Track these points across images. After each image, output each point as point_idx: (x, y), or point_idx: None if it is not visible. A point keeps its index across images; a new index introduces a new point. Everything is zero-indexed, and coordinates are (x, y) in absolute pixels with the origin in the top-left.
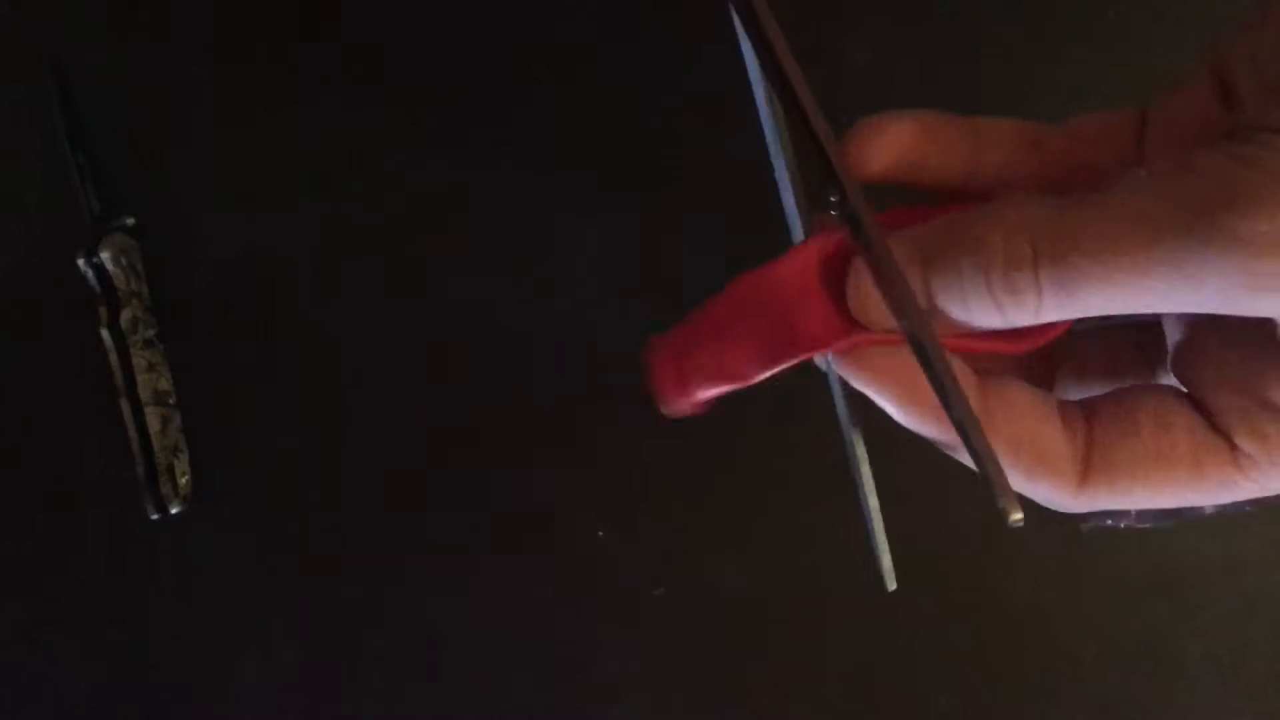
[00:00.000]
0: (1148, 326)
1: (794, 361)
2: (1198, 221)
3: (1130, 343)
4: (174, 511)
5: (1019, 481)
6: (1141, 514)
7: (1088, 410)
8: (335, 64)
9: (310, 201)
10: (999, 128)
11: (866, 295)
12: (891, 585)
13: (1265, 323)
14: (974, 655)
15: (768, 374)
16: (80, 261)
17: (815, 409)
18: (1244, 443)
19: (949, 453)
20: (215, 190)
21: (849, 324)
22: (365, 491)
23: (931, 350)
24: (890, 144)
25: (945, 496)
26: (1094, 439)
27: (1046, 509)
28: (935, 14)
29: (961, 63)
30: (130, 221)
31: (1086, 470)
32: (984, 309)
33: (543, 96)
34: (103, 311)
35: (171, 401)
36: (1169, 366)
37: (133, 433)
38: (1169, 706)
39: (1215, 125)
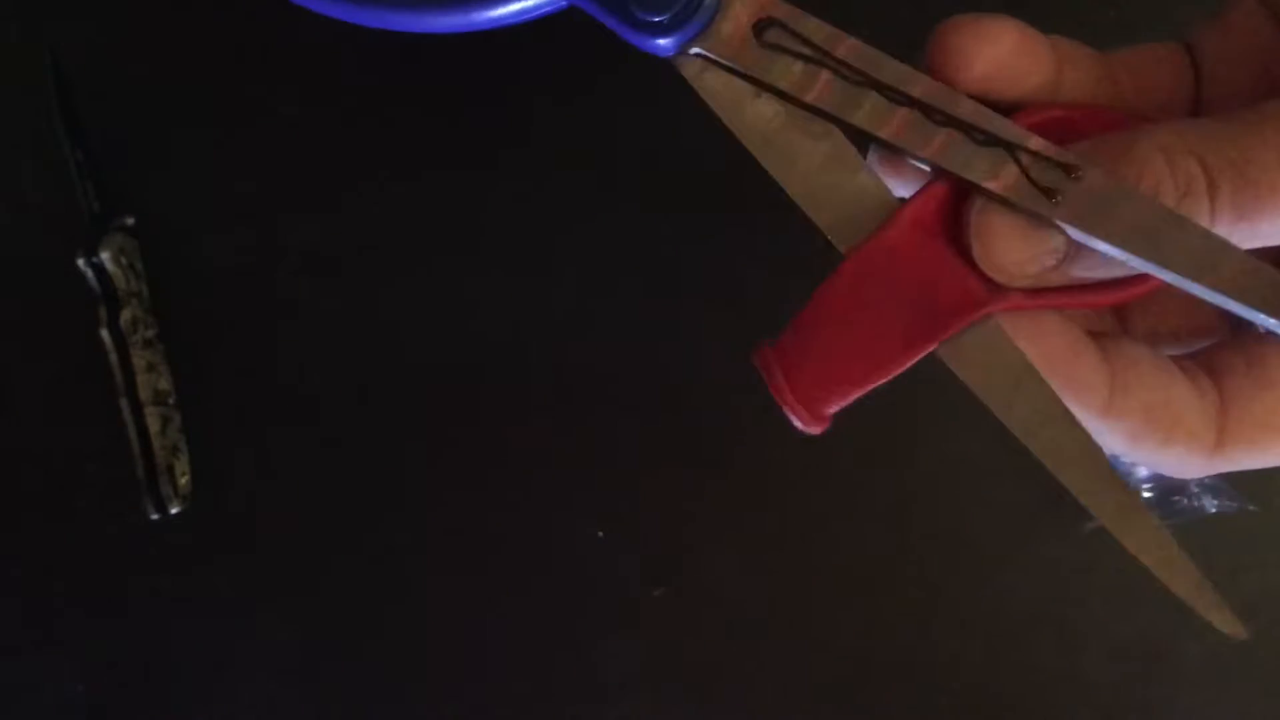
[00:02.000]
0: None
1: (937, 343)
2: None
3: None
4: (174, 512)
5: (1151, 449)
6: None
7: (1209, 366)
8: (337, 63)
9: (311, 201)
10: (1074, 48)
11: (996, 238)
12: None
13: None
14: (975, 655)
15: (908, 365)
16: (79, 261)
17: None
18: None
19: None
20: (216, 189)
21: (987, 285)
22: (365, 491)
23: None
24: (993, 48)
25: (946, 499)
26: (1225, 392)
27: (1049, 508)
28: (934, 9)
29: None
30: (130, 221)
31: (1223, 427)
32: None
33: (546, 96)
34: (102, 311)
35: (171, 401)
36: None
37: (132, 433)
38: (1171, 707)
39: (1273, 47)
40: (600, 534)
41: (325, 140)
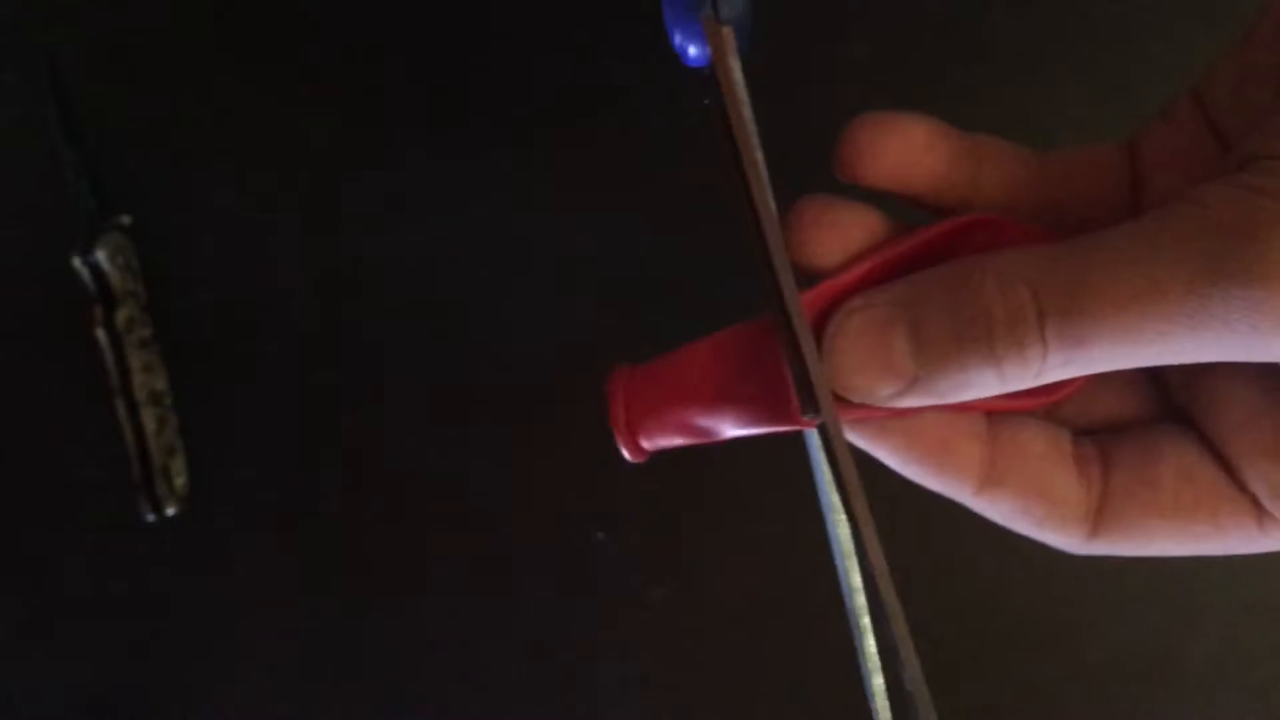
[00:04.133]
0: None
1: (773, 430)
2: (1221, 257)
3: (1139, 379)
4: (170, 513)
5: (1027, 529)
6: None
7: (1104, 453)
8: (337, 64)
9: (308, 201)
10: (998, 146)
11: (843, 361)
12: None
13: (1277, 367)
14: (977, 659)
15: (727, 435)
16: (75, 261)
17: None
18: (1273, 507)
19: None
20: (213, 189)
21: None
22: (363, 492)
23: (841, 460)
24: (900, 144)
25: (946, 499)
26: (1109, 486)
27: None
28: (937, 12)
29: (965, 62)
30: (126, 220)
31: (1099, 520)
32: (983, 373)
33: (546, 96)
34: (98, 311)
35: (168, 402)
36: (1179, 408)
37: (128, 434)
38: (1172, 710)
39: (1208, 153)
40: (600, 534)
41: (324, 142)
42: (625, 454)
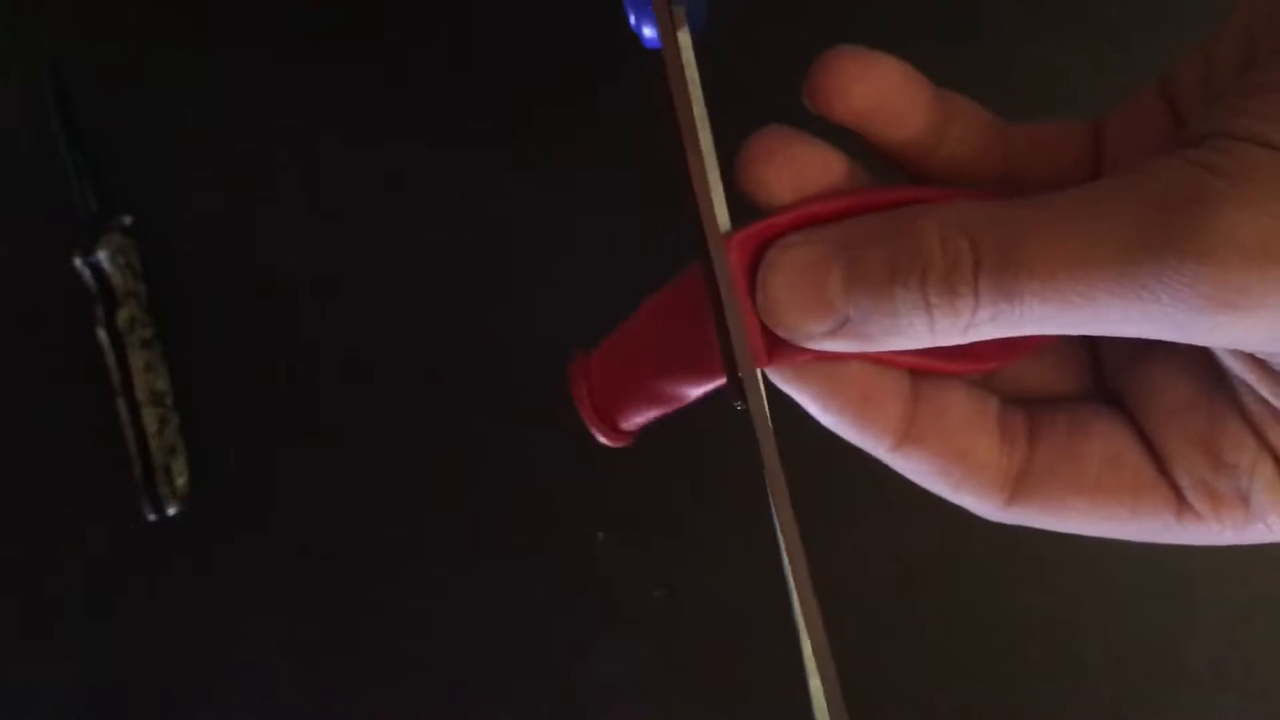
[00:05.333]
0: (1096, 341)
1: (716, 383)
2: (1157, 228)
3: (1077, 354)
4: (171, 513)
5: (945, 490)
6: None
7: (1032, 423)
8: (337, 64)
9: (309, 201)
10: (967, 105)
11: (773, 295)
12: None
13: (1213, 358)
14: (975, 658)
15: (693, 395)
16: (77, 261)
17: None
18: (1194, 500)
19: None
20: (214, 189)
21: (772, 338)
22: (363, 492)
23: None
24: (874, 84)
25: (949, 501)
26: (1034, 457)
27: None
28: (935, 3)
29: (961, 60)
30: (128, 220)
31: (1018, 489)
32: (913, 319)
33: (545, 92)
34: (99, 311)
35: (169, 402)
36: (1114, 391)
37: (129, 433)
38: (1172, 709)
39: (1170, 140)
40: (600, 534)
41: (324, 142)
42: (603, 440)
